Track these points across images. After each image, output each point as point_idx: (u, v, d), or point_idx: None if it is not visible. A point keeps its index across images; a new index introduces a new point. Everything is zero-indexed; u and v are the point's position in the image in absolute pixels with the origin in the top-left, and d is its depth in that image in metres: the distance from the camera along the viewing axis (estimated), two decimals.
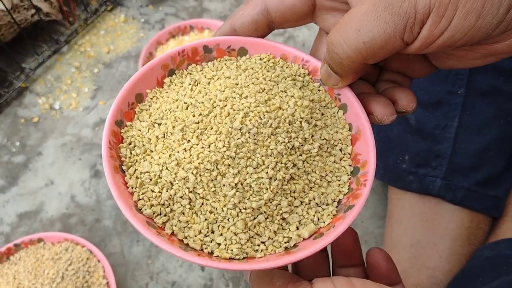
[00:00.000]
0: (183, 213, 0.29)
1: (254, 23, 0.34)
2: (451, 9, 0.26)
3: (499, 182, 0.64)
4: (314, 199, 0.31)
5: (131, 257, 0.66)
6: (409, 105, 0.32)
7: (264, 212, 0.29)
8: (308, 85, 0.35)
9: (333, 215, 0.30)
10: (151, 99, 0.33)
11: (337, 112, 0.34)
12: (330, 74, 0.31)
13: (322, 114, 0.33)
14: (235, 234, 0.29)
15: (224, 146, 0.29)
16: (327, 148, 0.33)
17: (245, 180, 0.29)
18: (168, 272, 0.65)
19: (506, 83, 0.62)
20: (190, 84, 0.33)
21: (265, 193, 0.29)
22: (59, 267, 0.61)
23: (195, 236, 0.29)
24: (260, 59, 0.35)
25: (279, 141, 0.30)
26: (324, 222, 0.30)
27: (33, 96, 0.81)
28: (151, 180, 0.30)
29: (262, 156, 0.30)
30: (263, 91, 0.32)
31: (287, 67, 0.36)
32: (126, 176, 0.30)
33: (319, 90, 0.34)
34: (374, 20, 0.27)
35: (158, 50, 0.81)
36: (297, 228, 0.30)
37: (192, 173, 0.29)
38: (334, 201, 0.31)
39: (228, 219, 0.29)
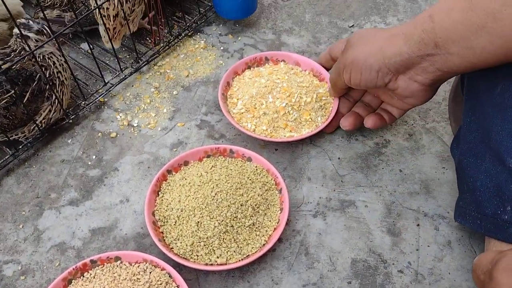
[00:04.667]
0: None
1: (326, 59, 0.79)
2: (348, 69, 0.64)
3: None
4: (237, 245, 0.63)
5: (206, 285, 0.63)
6: (367, 123, 0.72)
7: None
8: (272, 190, 0.68)
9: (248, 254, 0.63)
10: None
11: (277, 211, 0.66)
12: (329, 90, 0.76)
13: (268, 208, 0.66)
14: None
15: (204, 201, 0.64)
16: (257, 226, 0.64)
17: (204, 221, 0.62)
18: None
19: None
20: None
21: (212, 231, 0.62)
22: None
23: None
24: (256, 167, 0.70)
25: (230, 211, 0.63)
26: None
27: (111, 112, 0.81)
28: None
29: (217, 213, 0.63)
30: (240, 183, 0.66)
31: (271, 179, 0.69)
32: None
33: (276, 196, 0.67)
34: (332, 72, 0.71)
35: (235, 80, 0.81)
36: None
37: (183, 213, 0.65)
38: (247, 254, 0.62)
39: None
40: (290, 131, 0.74)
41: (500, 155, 0.56)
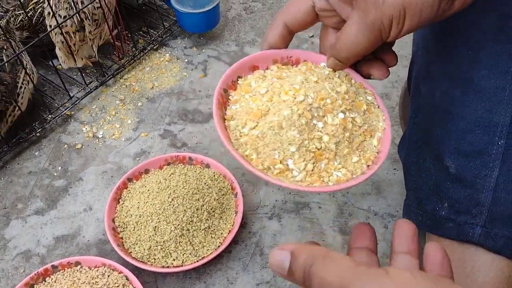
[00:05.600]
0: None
1: (281, 37, 0.51)
2: (401, 19, 0.45)
3: None
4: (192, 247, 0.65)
5: (164, 286, 0.66)
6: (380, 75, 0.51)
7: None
8: (228, 194, 0.71)
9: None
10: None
11: (232, 214, 0.67)
12: (336, 63, 0.50)
13: (223, 211, 0.68)
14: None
15: (161, 207, 0.67)
16: (213, 229, 0.66)
17: (161, 225, 0.66)
18: None
19: None
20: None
21: (168, 235, 0.65)
22: None
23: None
24: (213, 173, 0.72)
25: (186, 215, 0.66)
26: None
27: (77, 124, 0.84)
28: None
29: (173, 218, 0.65)
30: (196, 189, 0.68)
31: (228, 184, 0.71)
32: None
33: (231, 200, 0.71)
34: (356, 35, 0.46)
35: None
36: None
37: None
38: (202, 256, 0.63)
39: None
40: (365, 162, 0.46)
41: (439, 154, 0.60)
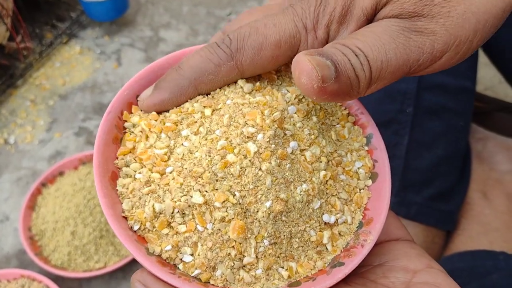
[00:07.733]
0: None
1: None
2: (472, 43, 0.27)
3: (451, 197, 0.66)
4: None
5: None
6: None
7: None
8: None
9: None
10: None
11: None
12: (336, 91, 0.26)
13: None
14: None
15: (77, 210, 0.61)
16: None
17: (79, 229, 0.58)
18: None
19: (453, 101, 0.65)
20: None
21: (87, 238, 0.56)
22: None
23: None
24: None
25: (104, 216, 0.56)
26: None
27: None
28: None
29: (91, 220, 0.59)
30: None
31: None
32: None
33: None
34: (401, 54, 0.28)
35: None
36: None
37: None
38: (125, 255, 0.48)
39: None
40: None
41: None
